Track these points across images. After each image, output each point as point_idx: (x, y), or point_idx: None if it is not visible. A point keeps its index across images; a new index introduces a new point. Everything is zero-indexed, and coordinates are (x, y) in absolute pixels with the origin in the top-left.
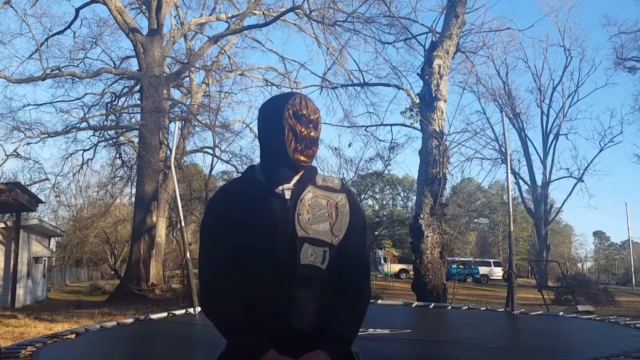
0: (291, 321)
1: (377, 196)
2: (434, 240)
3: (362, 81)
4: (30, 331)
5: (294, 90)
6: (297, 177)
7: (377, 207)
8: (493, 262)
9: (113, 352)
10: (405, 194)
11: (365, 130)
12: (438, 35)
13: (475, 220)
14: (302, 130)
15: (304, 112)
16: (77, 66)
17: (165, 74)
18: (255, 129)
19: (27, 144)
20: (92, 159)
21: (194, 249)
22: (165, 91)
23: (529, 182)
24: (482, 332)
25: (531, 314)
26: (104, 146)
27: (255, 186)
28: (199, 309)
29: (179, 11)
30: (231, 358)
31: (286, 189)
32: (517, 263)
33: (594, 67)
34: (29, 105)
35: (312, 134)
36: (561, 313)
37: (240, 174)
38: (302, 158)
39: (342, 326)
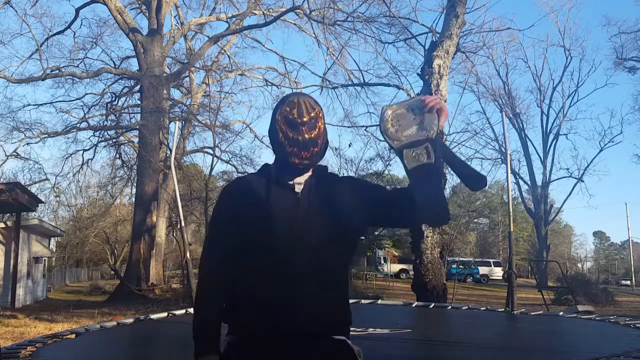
0: (297, 315)
1: None
2: (434, 240)
3: (362, 81)
4: (30, 331)
5: (295, 91)
6: (308, 174)
7: None
8: (493, 262)
9: (113, 352)
10: None
11: (365, 130)
12: (438, 35)
13: (475, 220)
14: (291, 135)
15: (290, 117)
16: (77, 66)
17: (165, 74)
18: (256, 130)
19: (27, 144)
20: (92, 159)
21: (194, 249)
22: (165, 91)
23: (529, 182)
24: (482, 332)
25: (531, 314)
26: (104, 146)
27: (269, 179)
28: None
29: (179, 11)
30: (232, 356)
31: (297, 183)
32: (517, 263)
33: (594, 67)
34: (29, 105)
35: (305, 136)
36: (561, 313)
37: (240, 174)
38: (296, 161)
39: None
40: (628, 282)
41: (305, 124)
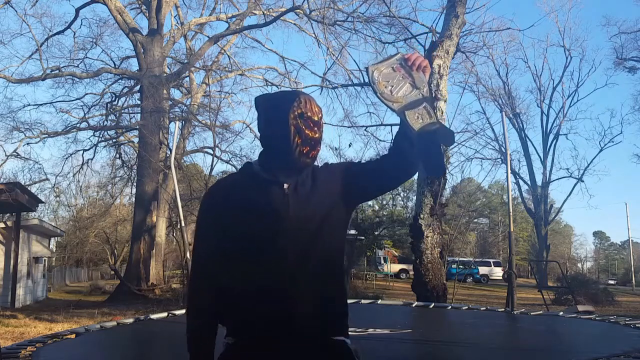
0: (294, 316)
1: None
2: (434, 240)
3: (362, 81)
4: (30, 331)
5: (296, 89)
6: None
7: (377, 207)
8: (493, 262)
9: (113, 352)
10: (405, 194)
11: (365, 130)
12: (438, 35)
13: (475, 220)
14: (308, 132)
15: (309, 114)
16: (77, 66)
17: (165, 74)
18: (256, 129)
19: (27, 144)
20: (92, 159)
21: None
22: (165, 91)
23: (529, 182)
24: (482, 332)
25: (531, 314)
26: (104, 146)
27: (253, 178)
28: None
29: (179, 11)
30: (231, 358)
31: (287, 182)
32: (517, 263)
33: (594, 67)
34: (29, 105)
35: (316, 136)
36: (561, 313)
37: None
38: (307, 160)
39: None
40: (614, 281)
41: (318, 123)
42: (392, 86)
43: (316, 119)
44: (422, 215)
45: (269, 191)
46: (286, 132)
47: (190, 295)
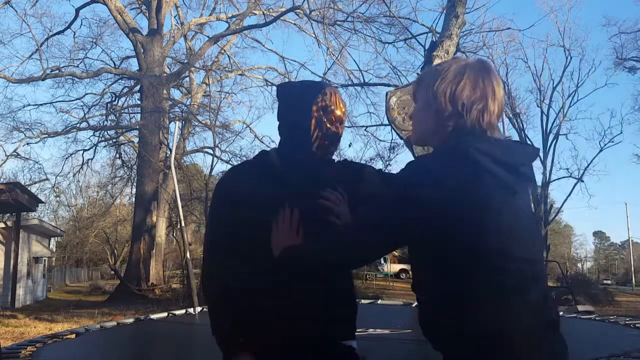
0: (298, 308)
1: None
2: None
3: (362, 81)
4: (30, 331)
5: (322, 81)
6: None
7: None
8: None
9: (113, 352)
10: None
11: (365, 130)
12: (438, 35)
13: None
14: (330, 127)
15: (333, 107)
16: (77, 66)
17: (165, 74)
18: (256, 130)
19: (27, 144)
20: (92, 159)
21: (194, 249)
22: (165, 91)
23: None
24: None
25: None
26: (104, 146)
27: (268, 169)
28: (199, 308)
29: (179, 11)
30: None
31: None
32: None
33: (594, 67)
34: (29, 105)
35: (337, 130)
36: (561, 313)
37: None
38: (325, 155)
39: None
40: (609, 282)
41: (341, 118)
42: (406, 114)
43: (339, 113)
44: None
45: (285, 184)
46: (307, 123)
47: (205, 293)
